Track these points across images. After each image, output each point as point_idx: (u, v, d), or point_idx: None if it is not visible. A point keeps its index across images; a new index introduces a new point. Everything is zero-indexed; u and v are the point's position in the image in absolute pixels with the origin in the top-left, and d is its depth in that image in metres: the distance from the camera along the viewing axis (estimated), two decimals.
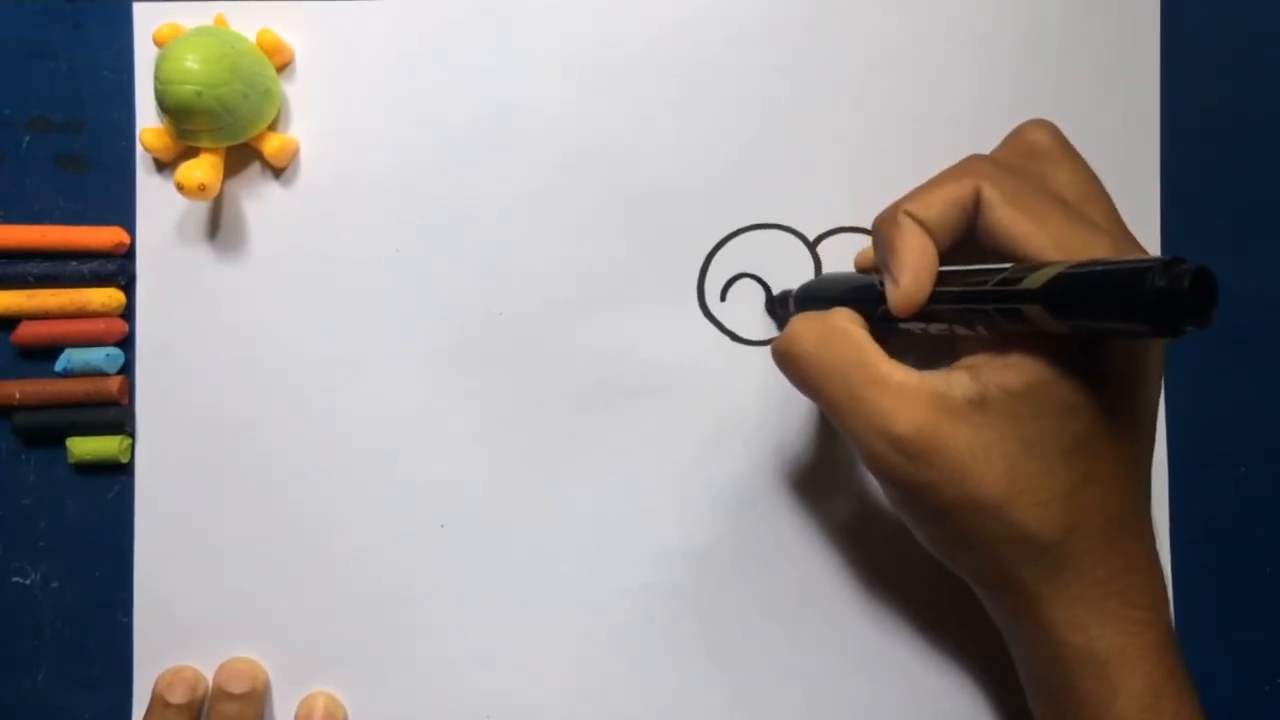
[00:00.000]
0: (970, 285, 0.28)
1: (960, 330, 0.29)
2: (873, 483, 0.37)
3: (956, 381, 0.28)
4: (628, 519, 0.37)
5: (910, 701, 0.37)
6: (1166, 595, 0.30)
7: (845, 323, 0.30)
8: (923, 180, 0.36)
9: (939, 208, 0.29)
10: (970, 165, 0.30)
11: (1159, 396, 0.30)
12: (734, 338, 0.37)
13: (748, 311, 0.37)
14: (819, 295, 0.34)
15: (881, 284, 0.30)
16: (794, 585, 0.37)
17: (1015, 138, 0.32)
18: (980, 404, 0.28)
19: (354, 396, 0.37)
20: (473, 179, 0.37)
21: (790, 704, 0.37)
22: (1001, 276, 0.27)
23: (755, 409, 0.37)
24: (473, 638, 0.37)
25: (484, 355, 0.37)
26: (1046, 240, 0.28)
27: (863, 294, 0.31)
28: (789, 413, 0.37)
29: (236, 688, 0.36)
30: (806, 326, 0.30)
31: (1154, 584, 0.29)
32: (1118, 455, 0.28)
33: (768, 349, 0.37)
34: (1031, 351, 0.28)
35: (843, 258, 0.37)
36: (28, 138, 0.38)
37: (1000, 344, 0.28)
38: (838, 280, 0.34)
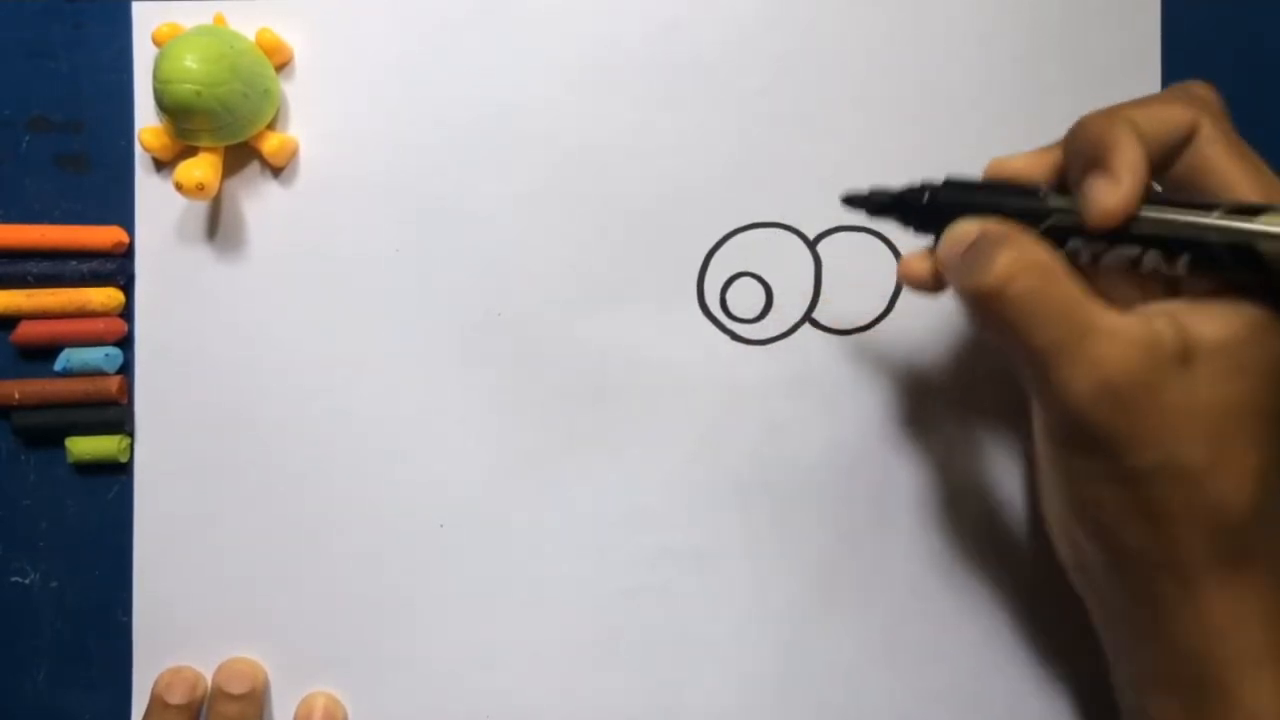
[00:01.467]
0: (1190, 210, 0.25)
1: (1151, 264, 0.26)
2: (872, 483, 0.37)
3: (1163, 328, 0.25)
4: (628, 519, 0.37)
5: (911, 701, 0.37)
6: None
7: (1052, 260, 0.27)
8: (923, 179, 0.36)
9: (1158, 124, 0.26)
10: (1188, 92, 0.27)
11: None
12: (734, 337, 0.37)
13: (747, 311, 0.37)
14: (966, 199, 0.29)
15: (1052, 195, 0.27)
16: (793, 585, 0.37)
17: (1186, 90, 0.29)
18: (1187, 357, 0.25)
19: (354, 396, 0.37)
20: (473, 179, 0.37)
21: (790, 703, 0.37)
22: (1232, 207, 0.25)
23: (755, 408, 0.37)
24: (473, 638, 0.37)
25: (484, 355, 0.37)
26: (1260, 191, 0.25)
27: (1019, 207, 0.28)
28: (789, 412, 0.37)
29: (236, 688, 0.36)
30: (1017, 261, 0.27)
31: None
32: None
33: (768, 348, 0.37)
34: (1233, 303, 0.25)
35: (843, 257, 0.37)
36: (28, 138, 0.38)
37: (1195, 291, 0.26)
38: (988, 187, 0.30)
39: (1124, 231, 0.26)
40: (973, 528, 0.37)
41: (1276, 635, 0.26)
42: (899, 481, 0.37)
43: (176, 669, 0.37)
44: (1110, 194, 0.26)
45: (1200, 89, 0.28)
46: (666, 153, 0.37)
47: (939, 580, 0.37)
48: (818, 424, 0.37)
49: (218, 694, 0.37)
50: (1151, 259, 0.26)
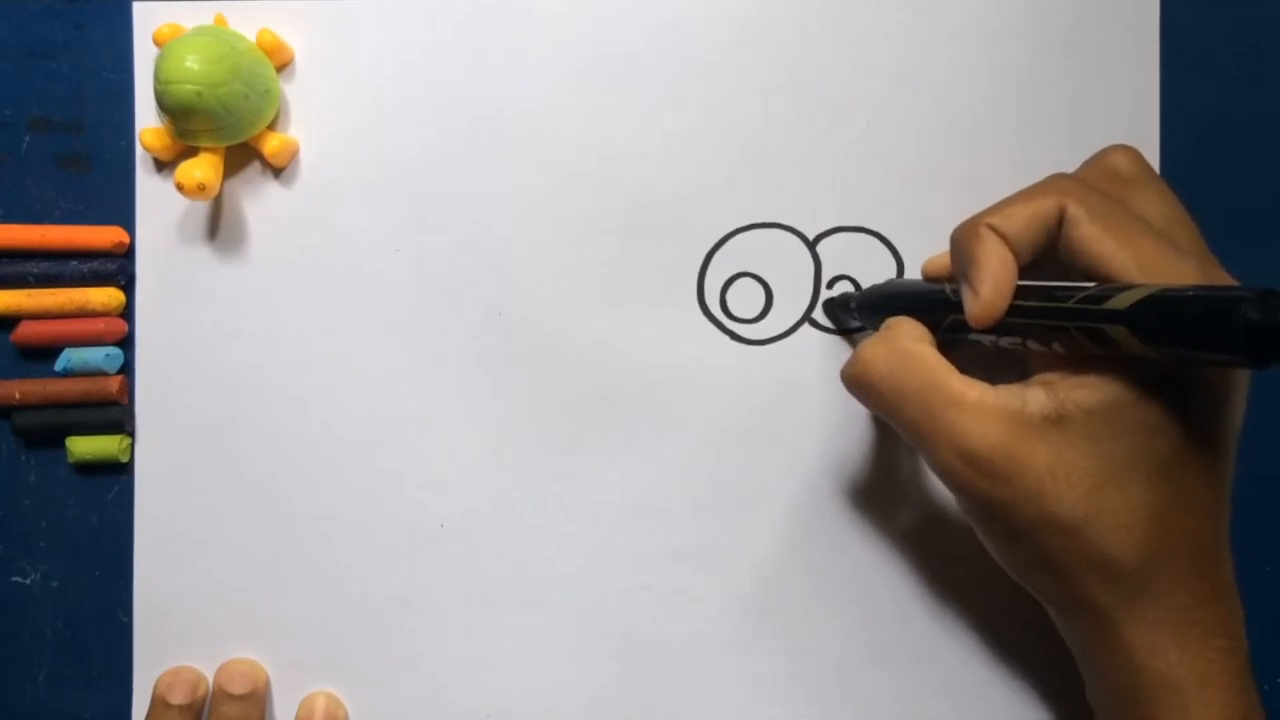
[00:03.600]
0: (1051, 301, 0.27)
1: (1034, 346, 0.28)
2: (872, 482, 0.37)
3: (1033, 398, 0.28)
4: (627, 519, 0.37)
5: (912, 699, 0.37)
6: (1244, 625, 0.29)
7: (914, 344, 0.30)
8: (922, 180, 0.37)
9: (1021, 221, 0.29)
10: (1055, 182, 0.29)
11: (1242, 419, 0.29)
12: (733, 337, 0.37)
13: (747, 311, 0.37)
14: (884, 301, 0.34)
15: (953, 293, 0.30)
16: (792, 585, 0.37)
17: (1098, 161, 0.31)
18: (1058, 421, 0.27)
19: (354, 396, 0.37)
20: (473, 179, 0.37)
21: (790, 704, 0.37)
22: (1085, 295, 0.27)
23: (754, 408, 0.37)
24: (473, 638, 0.37)
25: (484, 355, 0.37)
26: (1131, 261, 0.27)
27: (930, 303, 0.31)
28: (788, 412, 0.37)
29: (237, 689, 0.36)
30: (876, 352, 0.30)
31: (1234, 613, 0.29)
32: (1202, 479, 0.28)
33: (768, 348, 0.37)
34: (1110, 370, 0.27)
35: (843, 257, 0.37)
36: (28, 138, 0.38)
37: (1077, 361, 0.28)
38: (904, 287, 0.34)
39: (1002, 327, 0.29)
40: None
41: (1191, 662, 0.28)
42: (898, 480, 0.37)
43: (177, 669, 0.37)
44: (972, 304, 0.29)
45: (1062, 177, 0.30)
46: (667, 153, 0.37)
47: (939, 578, 0.37)
48: (817, 424, 0.37)
49: (219, 694, 0.37)
50: (1033, 344, 0.28)
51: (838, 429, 0.37)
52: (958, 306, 0.30)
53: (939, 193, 0.37)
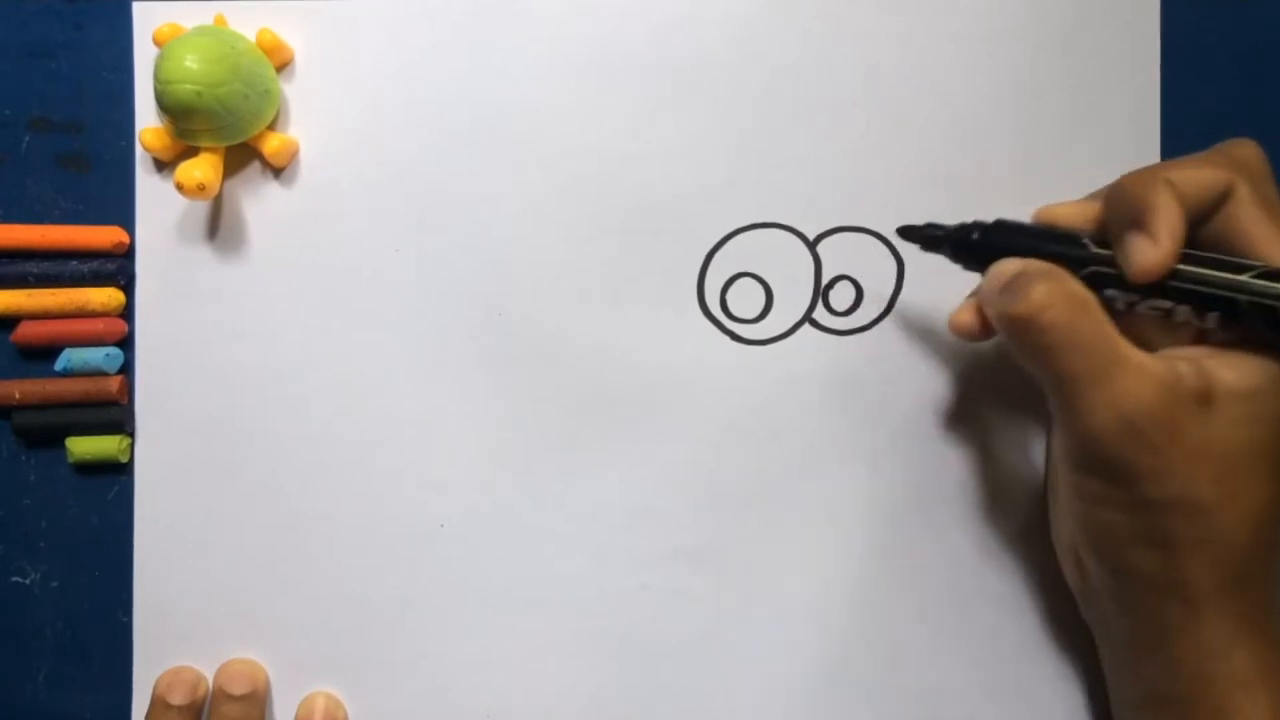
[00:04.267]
0: (1224, 271, 0.27)
1: (1182, 316, 0.28)
2: (872, 483, 0.37)
3: (1185, 372, 0.27)
4: (627, 519, 0.37)
5: (912, 698, 0.37)
6: None
7: (1088, 296, 0.29)
8: (922, 180, 0.37)
9: (1195, 185, 0.28)
10: (1224, 156, 0.29)
11: None
12: (733, 337, 0.37)
13: (747, 311, 0.37)
14: (1013, 242, 0.31)
15: (1095, 243, 0.29)
16: (793, 586, 0.37)
17: (1227, 151, 0.30)
18: (1204, 399, 0.27)
19: (353, 396, 0.37)
20: (473, 179, 0.37)
21: (791, 705, 0.37)
22: (1261, 270, 0.26)
23: (754, 408, 0.37)
24: (473, 638, 0.37)
25: (484, 355, 0.37)
26: None
27: (1067, 252, 0.30)
28: (788, 412, 0.37)
29: (237, 689, 0.36)
30: (1053, 293, 0.28)
31: None
32: None
33: (768, 348, 0.37)
34: (1258, 353, 0.27)
35: (843, 257, 0.37)
36: (28, 138, 0.38)
37: (1219, 341, 0.28)
38: (1033, 232, 0.31)
39: (1160, 286, 0.28)
40: (971, 525, 0.37)
41: (1263, 657, 0.28)
42: (898, 481, 0.37)
43: (177, 670, 0.37)
44: (1150, 253, 0.27)
45: (1242, 150, 0.29)
46: (667, 153, 0.37)
47: (939, 578, 0.37)
48: (818, 424, 0.37)
49: (219, 695, 0.37)
50: (1183, 312, 0.28)
51: (838, 429, 0.37)
52: (1096, 259, 0.29)
53: (939, 193, 0.37)
